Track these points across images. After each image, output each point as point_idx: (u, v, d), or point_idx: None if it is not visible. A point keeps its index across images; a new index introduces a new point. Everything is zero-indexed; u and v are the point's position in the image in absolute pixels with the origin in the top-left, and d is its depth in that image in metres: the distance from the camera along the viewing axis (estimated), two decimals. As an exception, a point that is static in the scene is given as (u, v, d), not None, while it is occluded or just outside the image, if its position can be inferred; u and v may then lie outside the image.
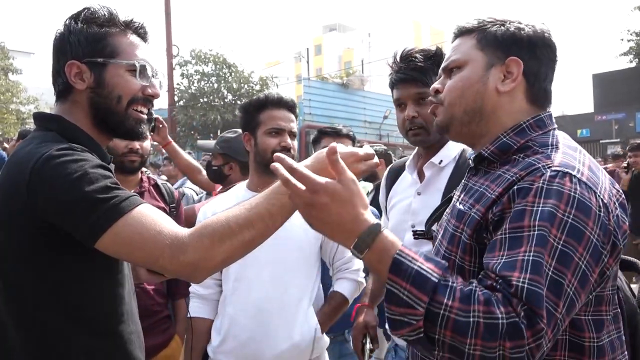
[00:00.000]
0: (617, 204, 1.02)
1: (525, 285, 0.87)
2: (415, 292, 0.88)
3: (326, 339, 1.98)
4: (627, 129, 21.61)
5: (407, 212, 1.80)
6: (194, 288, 1.98)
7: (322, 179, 0.93)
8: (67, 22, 1.22)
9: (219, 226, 1.06)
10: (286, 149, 1.88)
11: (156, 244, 1.04)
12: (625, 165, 5.21)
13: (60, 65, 1.20)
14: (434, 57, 1.72)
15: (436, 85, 1.22)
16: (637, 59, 22.28)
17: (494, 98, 1.13)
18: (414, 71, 1.70)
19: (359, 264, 2.03)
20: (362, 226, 0.93)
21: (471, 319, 0.86)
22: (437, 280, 0.90)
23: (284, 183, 0.95)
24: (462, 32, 1.20)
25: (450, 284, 0.90)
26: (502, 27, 1.15)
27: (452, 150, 1.77)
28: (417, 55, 1.72)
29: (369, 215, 0.95)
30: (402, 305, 0.89)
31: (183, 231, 1.06)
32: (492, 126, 1.14)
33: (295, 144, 1.94)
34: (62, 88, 1.22)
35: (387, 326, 1.87)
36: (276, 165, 0.96)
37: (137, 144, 2.25)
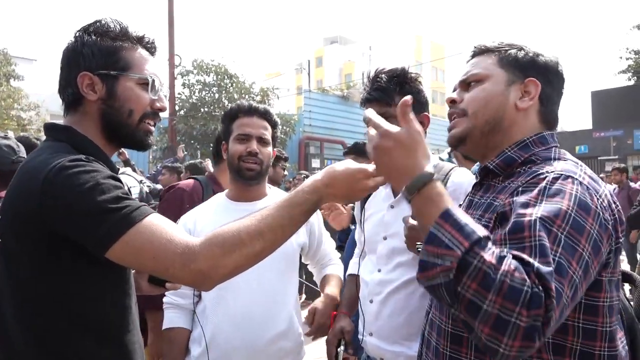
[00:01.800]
0: (615, 213, 1.06)
1: (537, 264, 0.89)
2: (458, 237, 0.91)
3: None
4: (624, 146, 21.70)
5: (380, 224, 1.85)
6: (170, 299, 1.96)
7: (392, 127, 1.01)
8: (79, 34, 1.24)
9: (230, 236, 1.08)
10: (252, 154, 1.91)
11: (167, 252, 1.05)
12: None
13: (71, 76, 1.22)
14: (397, 77, 1.79)
15: (453, 95, 1.27)
16: (635, 77, 22.45)
17: (513, 113, 1.20)
18: (377, 91, 1.78)
19: (337, 257, 2.18)
20: (415, 172, 0.99)
21: (499, 277, 0.86)
22: (481, 236, 0.92)
23: (367, 122, 1.05)
24: (482, 51, 1.27)
25: (489, 244, 0.92)
26: (522, 52, 1.23)
27: None
28: (383, 75, 1.80)
29: (425, 162, 1.00)
30: (441, 245, 0.91)
31: (194, 240, 1.08)
32: (504, 140, 1.20)
33: (267, 151, 1.97)
34: (72, 99, 1.24)
35: (359, 336, 1.91)
36: (369, 114, 1.06)
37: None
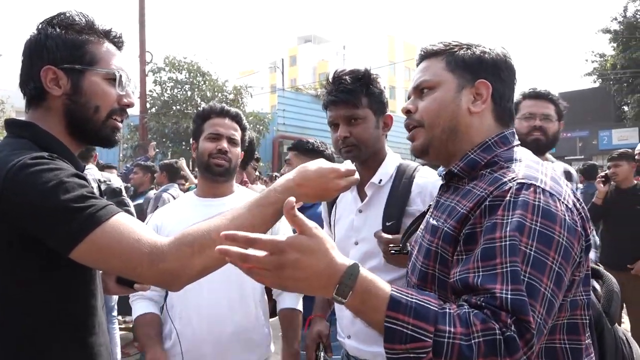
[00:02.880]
0: (581, 211, 1.07)
1: (509, 296, 0.90)
2: (421, 324, 0.88)
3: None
4: (590, 147, 22.37)
5: (350, 229, 1.87)
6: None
7: (282, 238, 0.88)
8: (42, 26, 1.19)
9: (199, 235, 1.06)
10: (222, 152, 1.96)
11: (134, 252, 1.03)
12: (603, 175, 4.51)
13: (33, 70, 1.17)
14: (363, 78, 1.79)
15: (408, 105, 1.26)
16: (600, 80, 23.14)
17: (467, 118, 1.19)
18: (344, 93, 1.77)
19: None
20: (339, 270, 0.90)
21: (472, 341, 0.87)
22: (437, 309, 0.90)
23: (244, 260, 0.87)
24: (429, 54, 1.25)
25: (447, 310, 0.91)
26: (469, 51, 1.21)
27: (389, 167, 1.85)
28: (347, 77, 1.79)
29: (340, 257, 0.92)
30: (407, 340, 0.88)
31: (162, 239, 1.06)
32: (465, 144, 1.19)
33: (237, 151, 2.03)
34: (35, 93, 1.19)
35: (338, 337, 1.91)
36: (222, 248, 0.88)
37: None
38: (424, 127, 1.22)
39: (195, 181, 6.54)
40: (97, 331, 1.19)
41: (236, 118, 2.05)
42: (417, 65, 1.28)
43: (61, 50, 1.17)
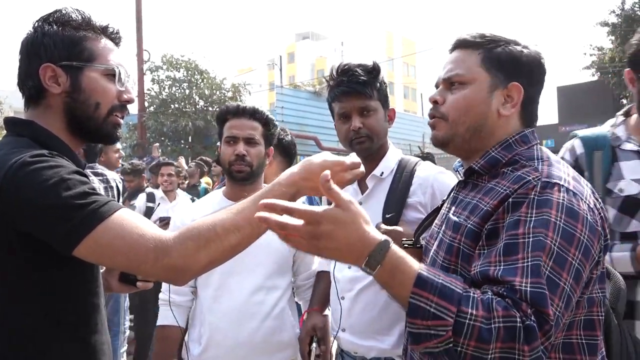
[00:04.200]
0: (600, 211, 1.09)
1: (529, 289, 0.93)
2: (443, 302, 0.91)
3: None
4: (589, 140, 22.30)
5: None
6: (166, 295, 1.96)
7: (319, 209, 0.93)
8: (39, 23, 1.19)
9: (205, 229, 1.06)
10: (239, 157, 1.91)
11: (139, 248, 1.02)
12: None
13: (32, 68, 1.17)
14: (373, 71, 1.81)
15: (436, 96, 1.24)
16: (599, 73, 23.10)
17: (495, 120, 1.19)
18: (357, 85, 1.77)
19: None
20: (371, 244, 0.94)
21: (492, 325, 0.90)
22: (461, 292, 0.93)
23: (282, 228, 0.92)
24: (465, 45, 1.23)
25: (471, 294, 0.94)
26: (506, 49, 1.19)
27: (391, 161, 1.86)
28: (358, 69, 1.79)
29: (374, 231, 0.96)
30: (429, 317, 0.91)
31: (166, 234, 1.05)
32: (487, 143, 1.20)
33: (257, 150, 1.95)
34: (34, 92, 1.18)
35: (332, 332, 1.90)
36: (262, 215, 0.92)
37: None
38: (447, 122, 1.21)
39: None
40: (98, 329, 1.19)
41: (254, 115, 1.96)
42: (450, 52, 1.26)
43: (59, 48, 1.16)
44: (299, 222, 0.92)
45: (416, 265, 0.96)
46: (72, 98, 1.18)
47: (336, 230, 0.92)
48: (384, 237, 0.96)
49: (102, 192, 3.75)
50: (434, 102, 1.25)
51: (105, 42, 1.23)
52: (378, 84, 1.80)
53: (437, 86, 1.28)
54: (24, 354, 1.08)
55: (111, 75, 1.21)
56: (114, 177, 3.91)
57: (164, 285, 1.97)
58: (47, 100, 1.19)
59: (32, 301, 1.09)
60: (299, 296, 2.13)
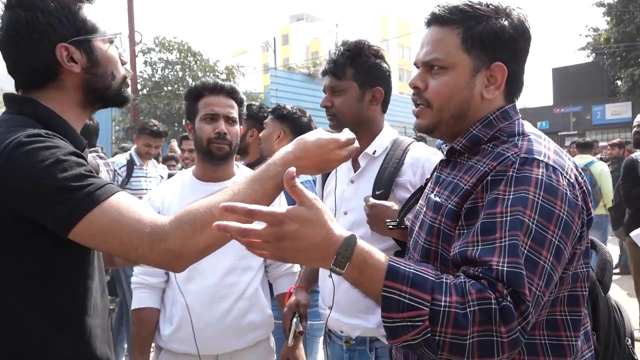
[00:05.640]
0: (582, 185, 1.07)
1: (505, 268, 0.91)
2: (417, 292, 0.90)
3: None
4: (583, 122, 22.41)
5: (340, 199, 1.88)
6: (140, 278, 1.95)
7: (282, 209, 0.89)
8: (28, 2, 1.11)
9: (201, 213, 1.04)
10: (220, 135, 1.88)
11: (135, 232, 1.00)
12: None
13: (42, 52, 1.11)
14: (350, 50, 1.81)
15: (416, 82, 1.19)
16: (594, 54, 23.05)
17: (478, 103, 1.16)
18: (329, 64, 1.83)
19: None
20: (337, 241, 0.92)
21: (468, 310, 0.89)
22: (434, 279, 0.92)
23: (243, 235, 0.88)
24: (442, 21, 1.16)
25: (444, 280, 0.92)
26: (488, 26, 1.12)
27: (384, 140, 1.86)
28: (340, 49, 1.83)
29: (339, 228, 0.93)
30: (404, 309, 0.90)
31: (163, 219, 1.03)
32: (471, 124, 1.17)
33: (235, 128, 1.93)
34: (46, 75, 1.14)
35: (320, 310, 1.91)
36: (221, 224, 0.88)
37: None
38: (432, 109, 1.18)
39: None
40: (91, 313, 1.17)
41: (232, 93, 1.94)
42: (427, 26, 1.20)
43: (65, 25, 1.12)
44: (262, 225, 0.88)
45: (385, 258, 0.94)
46: (91, 73, 1.16)
47: (301, 229, 0.88)
48: (348, 232, 0.94)
49: (105, 175, 3.79)
50: (415, 87, 1.20)
51: (90, 7, 1.18)
52: (356, 63, 1.79)
53: (416, 65, 1.22)
54: (16, 341, 1.07)
55: (110, 40, 1.19)
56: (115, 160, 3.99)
57: (136, 269, 1.96)
58: (61, 82, 1.15)
59: (26, 285, 1.08)
60: (269, 274, 2.12)
